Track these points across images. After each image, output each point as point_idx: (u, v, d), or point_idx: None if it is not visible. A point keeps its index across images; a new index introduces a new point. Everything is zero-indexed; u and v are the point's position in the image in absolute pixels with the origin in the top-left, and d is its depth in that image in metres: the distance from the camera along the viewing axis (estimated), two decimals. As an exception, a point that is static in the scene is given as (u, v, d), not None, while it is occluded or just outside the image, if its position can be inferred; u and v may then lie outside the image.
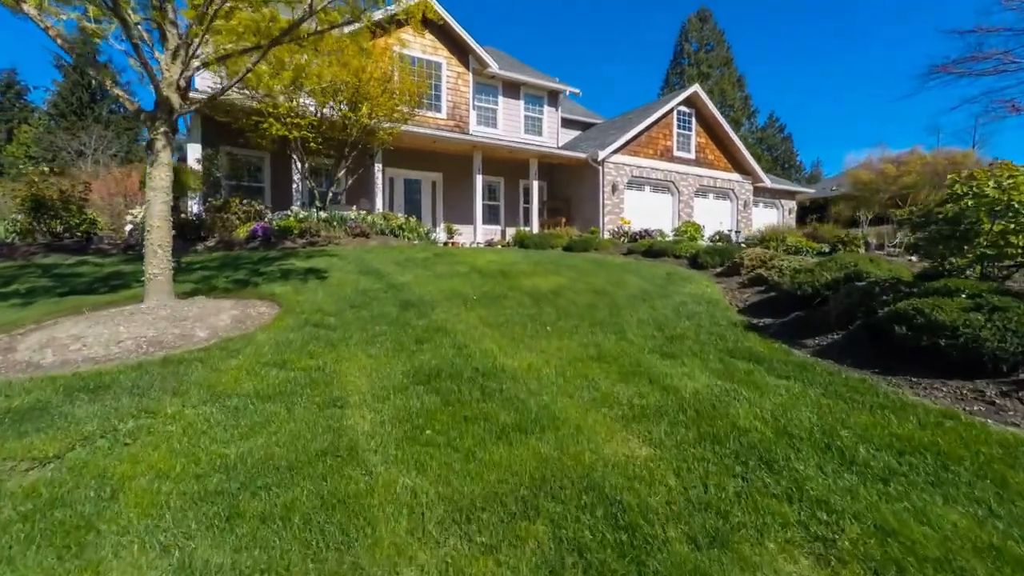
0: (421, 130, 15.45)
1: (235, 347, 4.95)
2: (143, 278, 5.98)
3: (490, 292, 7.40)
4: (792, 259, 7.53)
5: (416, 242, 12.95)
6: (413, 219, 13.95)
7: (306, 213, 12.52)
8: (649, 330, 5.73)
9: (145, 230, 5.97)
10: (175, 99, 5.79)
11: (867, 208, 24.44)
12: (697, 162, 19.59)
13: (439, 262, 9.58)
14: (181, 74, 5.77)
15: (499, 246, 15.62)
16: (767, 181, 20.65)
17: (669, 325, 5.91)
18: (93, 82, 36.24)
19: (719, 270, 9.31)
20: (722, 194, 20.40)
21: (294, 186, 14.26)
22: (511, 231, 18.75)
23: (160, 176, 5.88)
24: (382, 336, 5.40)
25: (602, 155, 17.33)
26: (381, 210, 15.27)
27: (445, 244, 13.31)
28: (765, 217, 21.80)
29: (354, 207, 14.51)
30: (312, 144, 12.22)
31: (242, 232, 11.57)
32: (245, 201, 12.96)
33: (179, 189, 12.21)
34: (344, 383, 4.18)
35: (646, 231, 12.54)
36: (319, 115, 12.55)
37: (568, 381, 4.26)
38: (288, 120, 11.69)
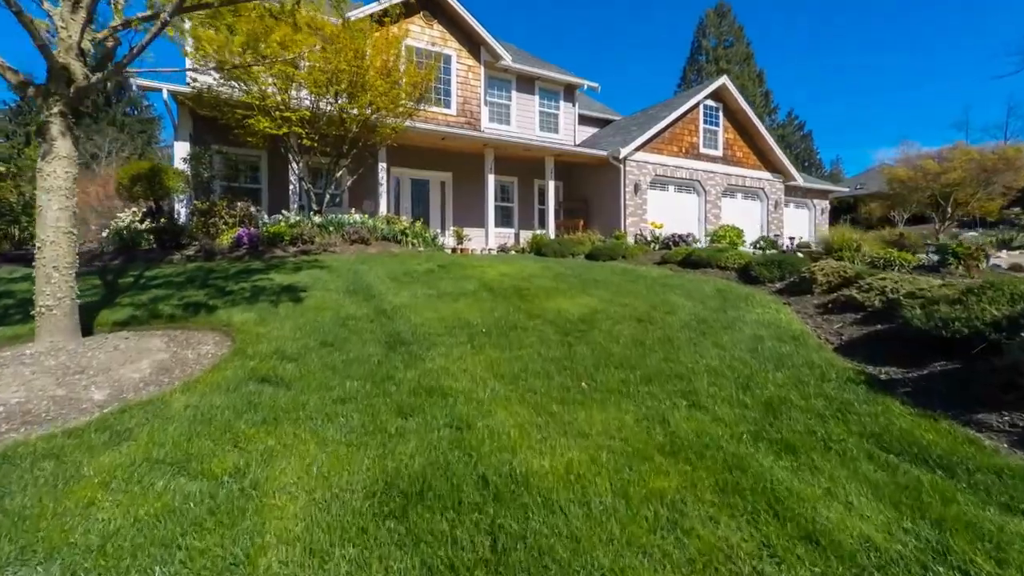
0: (429, 127, 13.68)
1: (129, 424, 3.22)
2: (32, 311, 4.30)
3: (504, 320, 5.61)
4: (891, 277, 5.61)
5: (421, 248, 11.21)
6: (418, 223, 12.20)
7: (299, 217, 10.84)
8: (730, 389, 3.89)
9: (36, 246, 4.28)
10: (77, 68, 4.10)
11: (902, 207, 22.20)
12: (725, 160, 17.58)
13: (444, 275, 7.81)
14: (83, 33, 4.07)
15: (513, 251, 13.81)
16: (799, 180, 18.55)
17: (756, 380, 4.06)
18: (108, 84, 34.66)
19: (779, 286, 7.41)
20: (751, 194, 18.36)
21: (291, 188, 12.58)
22: (525, 234, 16.93)
23: (56, 173, 4.20)
24: (351, 401, 3.62)
25: (624, 152, 15.43)
26: (385, 212, 13.55)
27: (453, 251, 11.59)
28: (796, 218, 19.70)
29: (353, 209, 12.79)
30: (306, 140, 10.52)
31: (226, 239, 9.92)
32: (238, 204, 11.33)
33: (160, 191, 10.61)
34: (265, 515, 2.41)
35: (679, 236, 10.69)
36: (315, 108, 10.85)
37: (635, 510, 2.45)
38: (277, 114, 9.99)
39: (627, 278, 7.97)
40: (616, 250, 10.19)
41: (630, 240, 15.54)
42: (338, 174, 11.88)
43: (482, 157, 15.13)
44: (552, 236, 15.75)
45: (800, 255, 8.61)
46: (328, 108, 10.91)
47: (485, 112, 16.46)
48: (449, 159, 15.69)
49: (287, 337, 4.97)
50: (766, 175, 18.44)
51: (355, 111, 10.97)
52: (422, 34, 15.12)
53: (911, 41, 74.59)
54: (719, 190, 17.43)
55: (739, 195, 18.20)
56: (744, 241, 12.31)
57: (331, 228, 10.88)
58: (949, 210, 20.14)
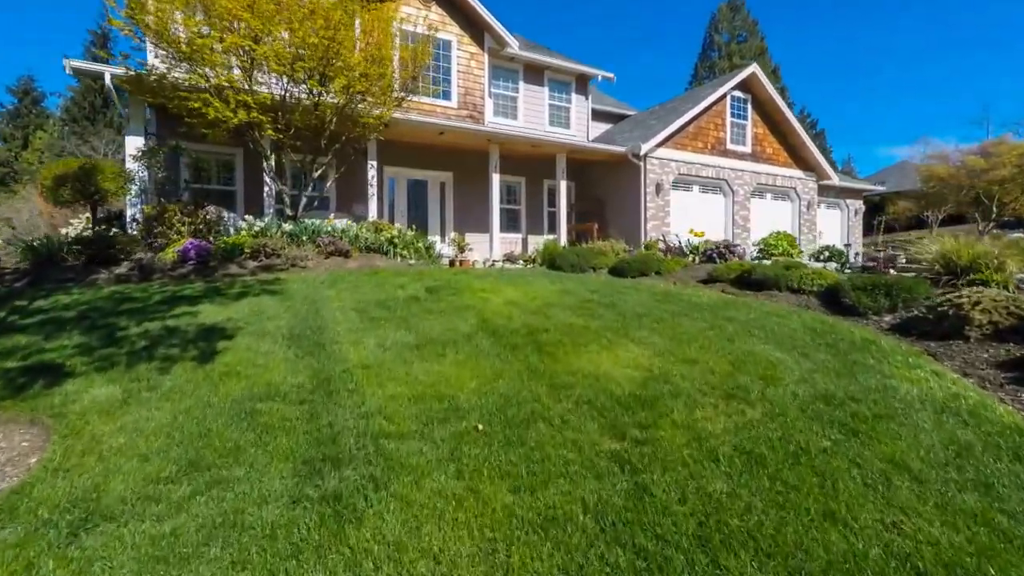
0: (425, 119, 11.42)
1: None
2: None
3: (514, 399, 3.35)
4: None
5: (412, 261, 8.96)
6: (410, 231, 9.93)
7: (263, 225, 8.61)
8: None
9: None
10: None
11: (938, 207, 19.68)
12: (754, 156, 15.19)
13: (432, 306, 5.55)
14: None
15: (520, 261, 11.53)
16: (835, 178, 16.13)
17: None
18: (105, 86, 32.53)
19: (889, 320, 5.09)
20: (782, 194, 15.95)
21: (266, 190, 10.36)
22: (534, 240, 14.64)
23: None
24: None
25: (645, 148, 13.09)
26: (375, 217, 11.32)
27: (452, 263, 9.36)
28: (827, 220, 17.28)
29: (332, 215, 10.54)
30: (270, 132, 8.27)
31: (171, 253, 7.71)
32: (209, 208, 9.15)
33: (95, 193, 8.41)
34: None
35: (727, 246, 8.37)
36: (285, 94, 8.60)
37: None
38: (232, 97, 7.74)
39: (676, 307, 5.66)
40: (648, 264, 7.89)
41: (647, 244, 13.20)
42: (316, 173, 9.64)
43: (486, 155, 12.85)
44: (564, 242, 13.46)
45: (911, 275, 6.26)
46: (300, 94, 8.66)
47: (489, 105, 14.16)
48: (449, 157, 13.42)
49: (137, 449, 2.74)
50: (798, 173, 16.02)
51: (331, 97, 8.71)
52: (418, 15, 12.81)
53: (923, 36, 70.94)
54: (748, 190, 15.04)
55: (768, 195, 15.80)
56: (800, 251, 9.90)
57: (304, 237, 8.65)
58: (995, 209, 17.63)
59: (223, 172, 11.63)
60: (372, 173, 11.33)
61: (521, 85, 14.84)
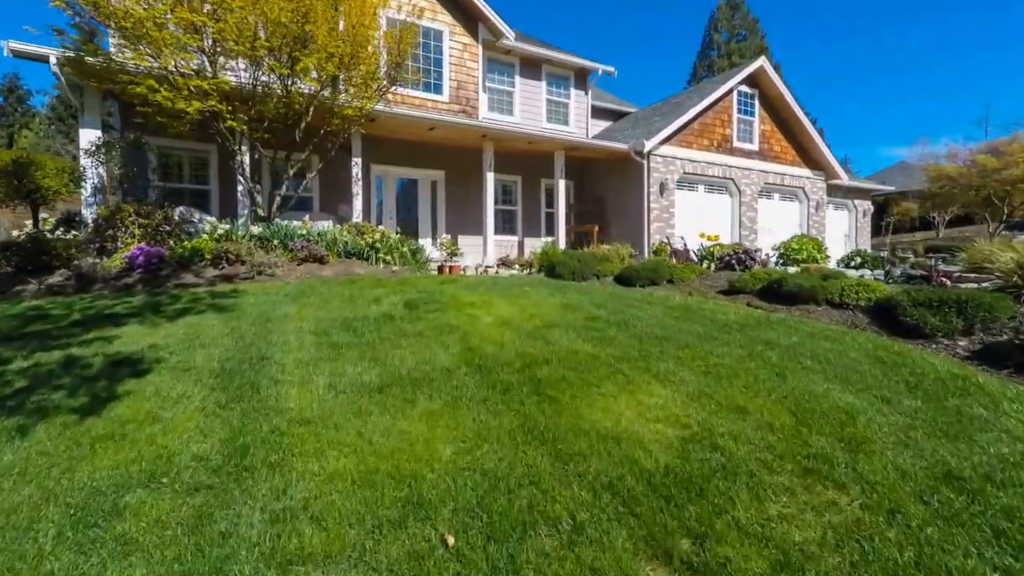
0: (415, 114, 10.33)
1: None
2: None
3: (503, 478, 2.25)
4: None
5: (396, 267, 7.88)
6: (396, 233, 8.85)
7: (229, 227, 7.50)
8: None
9: None
10: None
11: (944, 207, 18.71)
12: (761, 155, 14.16)
13: (408, 327, 4.48)
14: None
15: (516, 266, 10.45)
16: (844, 177, 15.11)
17: None
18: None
19: (965, 345, 4.06)
20: (790, 194, 14.93)
21: (239, 189, 9.25)
22: (531, 242, 13.58)
23: None
24: None
25: (648, 146, 12.04)
26: (359, 219, 10.24)
27: (441, 269, 8.27)
28: (835, 221, 16.27)
29: (307, 216, 9.42)
30: (231, 122, 7.15)
31: (117, 260, 6.60)
32: (178, 209, 8.07)
33: (33, 191, 7.29)
34: None
35: (746, 251, 7.25)
36: (253, 80, 7.50)
37: None
38: (184, 84, 6.63)
39: (701, 328, 4.60)
40: (658, 271, 6.84)
41: (653, 248, 12.15)
42: (293, 171, 8.53)
43: (480, 152, 11.78)
44: (563, 245, 12.40)
45: (973, 286, 5.22)
46: (271, 82, 7.56)
47: (484, 100, 13.07)
48: (441, 155, 12.34)
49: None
50: (806, 172, 15.00)
51: (304, 85, 7.62)
52: (406, 4, 11.72)
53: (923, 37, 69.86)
54: (755, 190, 14.01)
55: (776, 196, 14.78)
56: (827, 256, 8.78)
57: (275, 242, 7.55)
58: (1005, 210, 16.67)
59: (196, 170, 10.50)
60: (356, 171, 10.24)
61: (517, 79, 13.76)
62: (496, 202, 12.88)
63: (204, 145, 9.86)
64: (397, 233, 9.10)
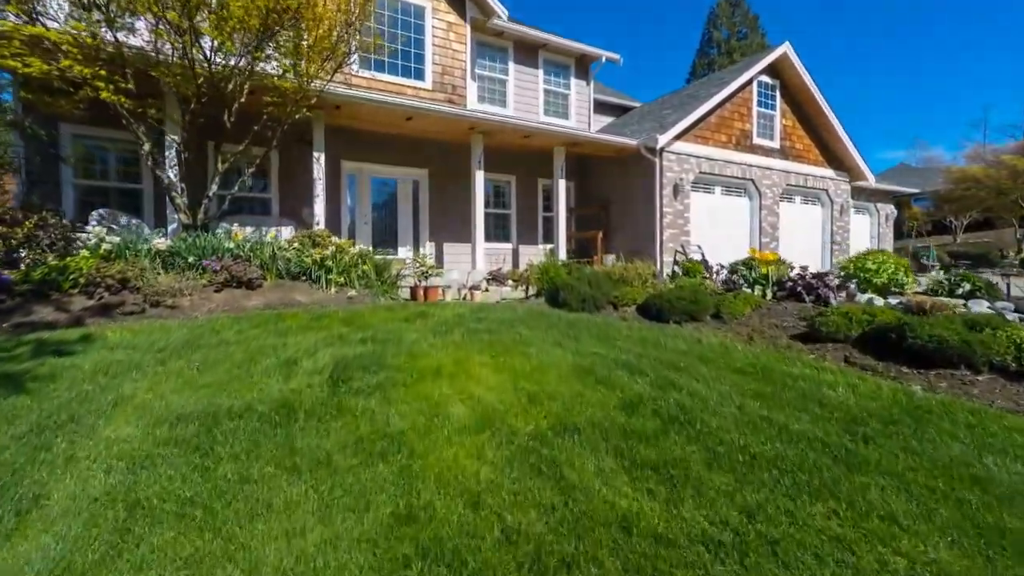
0: (388, 99, 8.22)
1: None
2: None
3: None
4: None
5: (354, 292, 5.80)
6: (355, 247, 6.76)
7: (119, 240, 5.37)
8: None
9: None
10: None
11: (966, 210, 16.82)
12: (782, 153, 12.18)
13: (312, 442, 2.39)
14: None
15: (510, 283, 8.37)
16: (871, 179, 13.16)
17: None
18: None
19: None
20: (812, 196, 12.95)
21: (175, 189, 7.09)
22: (527, 252, 11.54)
23: None
24: None
25: (662, 141, 10.01)
26: (321, 225, 8.15)
27: (414, 293, 6.16)
28: (857, 227, 14.33)
29: (235, 223, 7.30)
30: (105, 93, 5.00)
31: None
32: (44, 213, 5.98)
33: None
34: None
35: (817, 276, 5.12)
36: (156, 47, 5.39)
37: None
38: (60, 39, 4.51)
39: (818, 428, 2.58)
40: (699, 301, 4.81)
41: (664, 259, 10.15)
42: (223, 165, 6.41)
43: (468, 147, 9.71)
44: (563, 255, 10.36)
45: None
46: (174, 48, 5.42)
47: (473, 89, 10.99)
48: (424, 150, 10.26)
49: None
50: (830, 173, 13.03)
51: (216, 53, 5.49)
52: (382, -28, 9.58)
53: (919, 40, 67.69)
54: (777, 192, 12.02)
55: (798, 198, 12.80)
56: (915, 280, 6.42)
57: (191, 259, 5.44)
58: (1036, 216, 14.79)
59: (126, 165, 8.35)
60: (318, 168, 8.15)
61: (511, 66, 11.67)
62: (487, 205, 10.83)
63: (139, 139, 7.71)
64: (367, 248, 7.01)
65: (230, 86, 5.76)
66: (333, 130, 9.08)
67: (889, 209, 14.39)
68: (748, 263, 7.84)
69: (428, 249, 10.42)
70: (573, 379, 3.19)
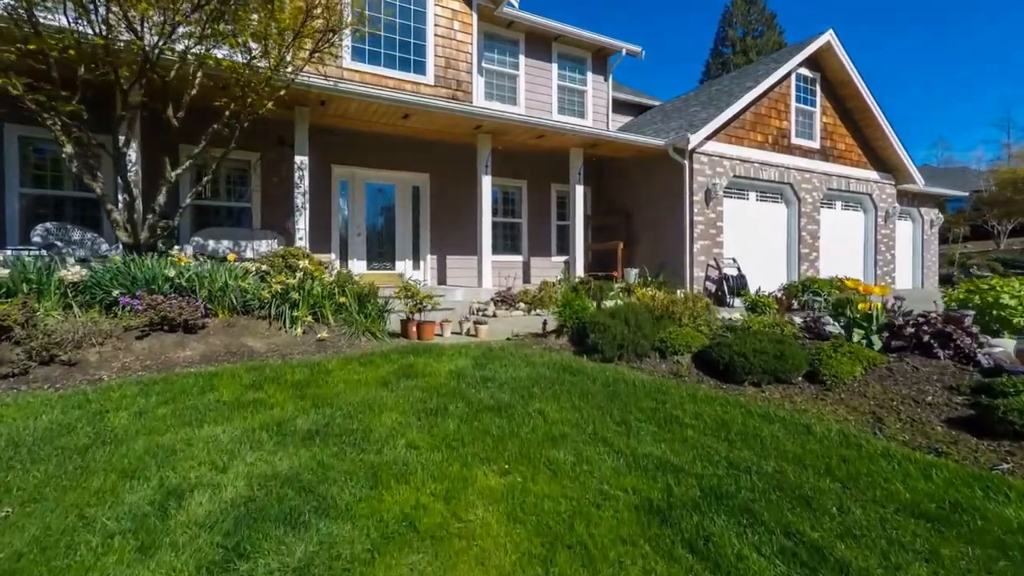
0: (381, 93, 6.81)
1: None
2: None
3: None
4: None
5: (324, 334, 4.42)
6: (341, 264, 5.38)
7: (12, 269, 4.04)
8: None
9: None
10: None
11: (1011, 215, 15.07)
12: (823, 153, 10.62)
13: None
14: None
15: (522, 307, 6.96)
16: (920, 181, 11.56)
17: None
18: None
19: None
20: (854, 201, 11.37)
21: (120, 199, 5.76)
22: (539, 264, 10.11)
23: None
24: None
25: (694, 141, 8.52)
26: (304, 240, 6.79)
27: (405, 328, 4.72)
28: (899, 233, 12.70)
29: (190, 235, 5.97)
30: (15, 89, 3.72)
31: None
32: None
33: None
34: None
35: (950, 320, 3.78)
36: (75, 31, 4.08)
37: None
38: None
39: None
40: (787, 355, 3.34)
41: (695, 276, 8.68)
42: (175, 172, 5.06)
43: (474, 150, 8.32)
44: (580, 270, 8.92)
45: None
46: (94, 26, 4.09)
47: (479, 84, 9.58)
48: (425, 154, 8.88)
49: None
50: (873, 175, 11.43)
51: (152, 26, 4.13)
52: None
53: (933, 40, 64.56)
54: (817, 197, 10.47)
55: (838, 204, 11.23)
56: None
57: (116, 292, 4.08)
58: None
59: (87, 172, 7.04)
60: (301, 174, 6.80)
61: (522, 60, 10.24)
62: (495, 214, 9.43)
63: (94, 137, 6.38)
64: (348, 270, 5.65)
65: (172, 73, 4.40)
66: (320, 130, 7.73)
67: (934, 214, 12.74)
68: (806, 284, 6.34)
69: (429, 263, 9.04)
70: (640, 536, 1.77)
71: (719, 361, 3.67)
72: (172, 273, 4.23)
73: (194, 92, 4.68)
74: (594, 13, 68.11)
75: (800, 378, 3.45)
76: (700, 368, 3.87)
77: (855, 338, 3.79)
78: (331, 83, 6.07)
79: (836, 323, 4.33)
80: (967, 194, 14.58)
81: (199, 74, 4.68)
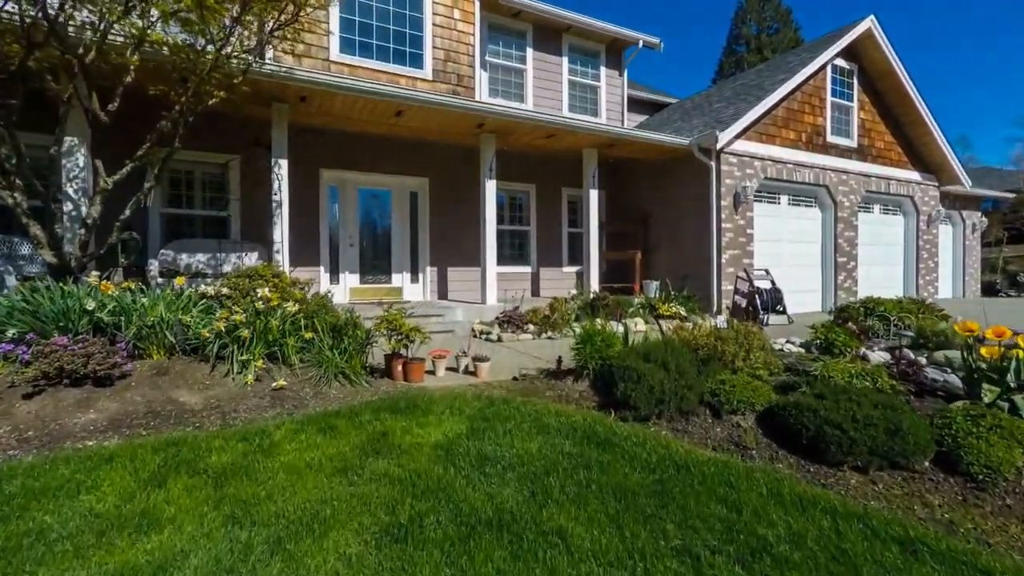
0: (371, 87, 5.82)
1: None
2: None
3: None
4: None
5: (284, 380, 3.46)
6: (311, 283, 4.40)
7: None
8: None
9: None
10: None
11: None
12: (860, 153, 9.48)
13: None
14: None
15: (531, 328, 5.96)
16: (967, 182, 10.33)
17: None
18: None
19: None
20: (894, 205, 10.20)
21: (24, 213, 4.86)
22: (549, 276, 9.09)
23: None
24: None
25: (722, 140, 7.44)
26: (285, 255, 5.86)
27: (390, 366, 3.77)
28: (941, 239, 11.48)
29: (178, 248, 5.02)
30: None
31: None
32: None
33: None
34: None
35: None
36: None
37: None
38: None
39: None
40: (904, 432, 2.30)
41: (722, 289, 7.61)
42: (116, 176, 4.13)
43: (477, 151, 7.33)
44: (595, 283, 7.88)
45: None
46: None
47: (483, 79, 8.60)
48: (424, 156, 7.91)
49: None
50: (915, 176, 10.25)
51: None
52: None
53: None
54: (855, 200, 9.32)
55: (876, 207, 10.06)
56: None
57: (11, 331, 3.16)
58: None
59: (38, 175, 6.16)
60: (279, 179, 5.86)
61: (530, 53, 9.23)
62: (501, 221, 8.44)
63: (40, 137, 5.48)
64: (324, 293, 4.69)
65: (91, 54, 3.47)
66: (305, 131, 6.81)
67: (976, 218, 11.50)
68: (868, 306, 5.27)
69: (429, 276, 8.07)
70: None
71: (800, 430, 2.63)
72: (91, 305, 3.29)
73: (129, 79, 3.75)
74: (596, 12, 66.63)
75: (927, 463, 2.40)
76: (769, 434, 2.83)
77: (986, 398, 2.72)
78: (308, 75, 5.12)
79: (938, 368, 3.25)
80: (1012, 196, 13.28)
81: (132, 55, 3.73)
